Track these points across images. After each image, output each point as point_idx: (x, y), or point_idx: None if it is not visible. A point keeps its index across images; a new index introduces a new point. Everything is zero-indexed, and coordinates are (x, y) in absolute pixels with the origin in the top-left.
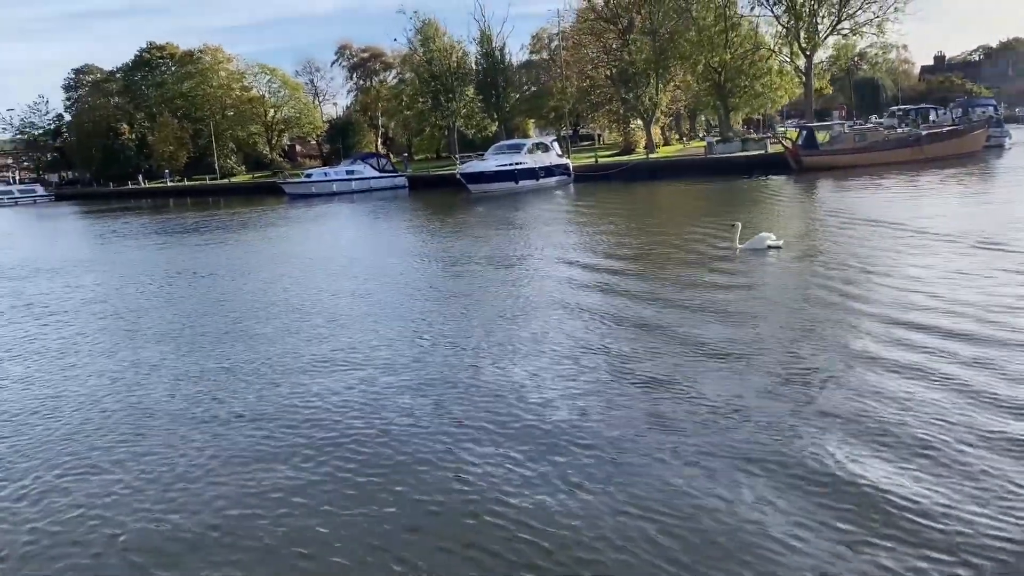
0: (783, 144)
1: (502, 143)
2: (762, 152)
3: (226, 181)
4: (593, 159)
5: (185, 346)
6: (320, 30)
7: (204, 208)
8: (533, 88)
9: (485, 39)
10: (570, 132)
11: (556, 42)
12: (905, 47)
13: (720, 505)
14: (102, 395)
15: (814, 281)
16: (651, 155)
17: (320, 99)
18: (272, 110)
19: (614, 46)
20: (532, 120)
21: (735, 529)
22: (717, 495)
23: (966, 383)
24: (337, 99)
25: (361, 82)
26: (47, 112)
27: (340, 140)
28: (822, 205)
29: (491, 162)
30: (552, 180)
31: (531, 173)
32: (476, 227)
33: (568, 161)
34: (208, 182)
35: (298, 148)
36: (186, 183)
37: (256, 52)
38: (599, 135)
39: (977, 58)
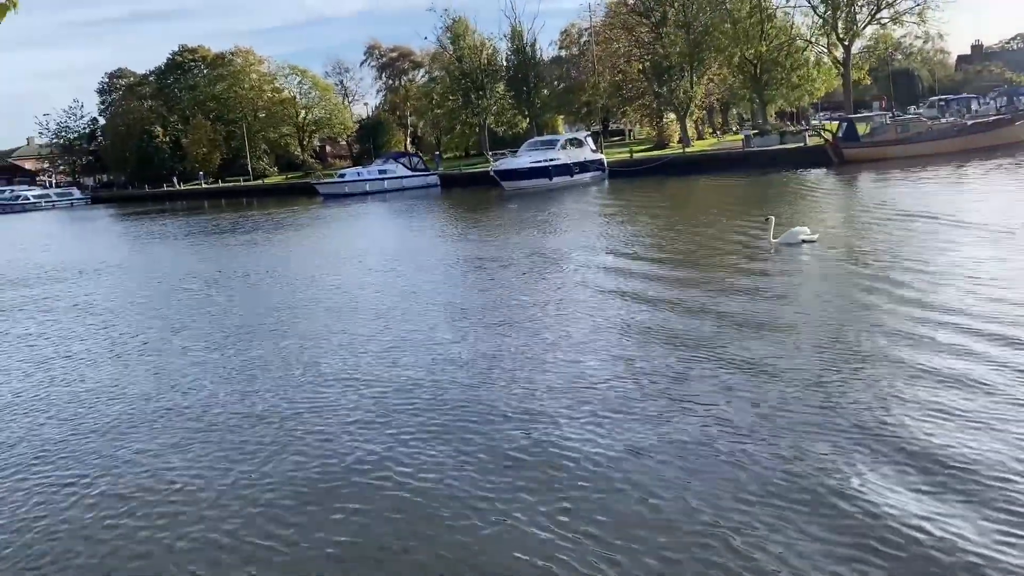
0: (823, 137)
1: (536, 139)
2: (801, 145)
3: (260, 182)
4: (628, 154)
5: (229, 346)
6: (347, 31)
7: (239, 209)
8: (563, 84)
9: (516, 35)
10: (600, 128)
11: (586, 37)
12: (941, 36)
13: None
14: (149, 394)
15: (844, 277)
16: (687, 149)
17: (350, 99)
18: (303, 111)
19: (647, 40)
20: (561, 116)
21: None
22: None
23: (1000, 389)
24: (367, 99)
25: (390, 82)
26: (82, 116)
27: (370, 140)
28: (861, 199)
29: (525, 158)
30: (587, 176)
31: (565, 169)
32: (510, 226)
33: (602, 156)
34: (242, 183)
35: (328, 149)
36: (220, 185)
37: (285, 54)
38: (630, 130)
39: (1016, 47)
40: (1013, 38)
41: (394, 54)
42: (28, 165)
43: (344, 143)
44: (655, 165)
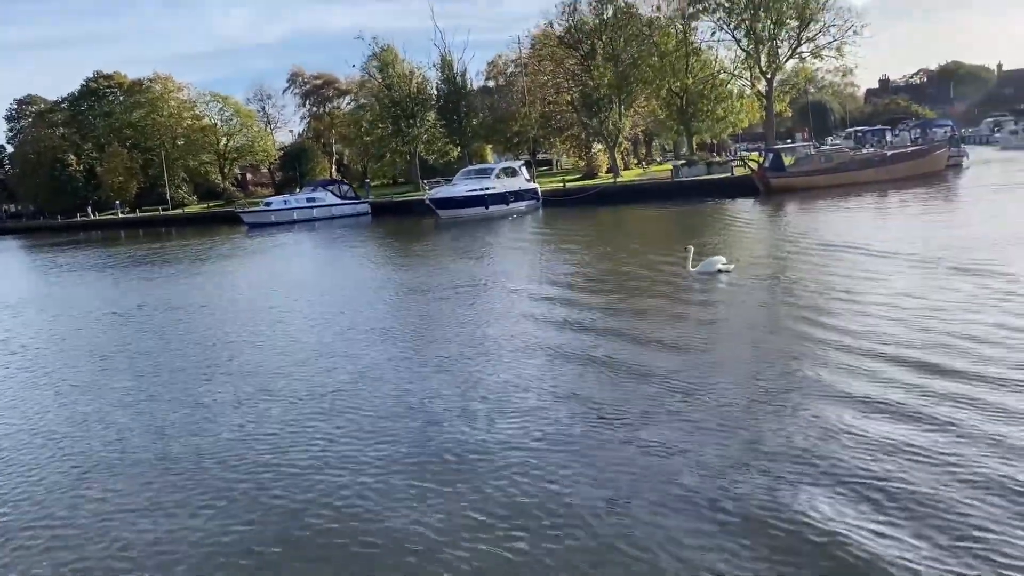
0: (749, 167)
1: (470, 168)
2: (728, 175)
3: (180, 211)
4: (561, 184)
5: (152, 386)
6: (267, 59)
7: (159, 239)
8: (493, 115)
9: (446, 64)
10: (528, 157)
11: (512, 68)
12: (852, 71)
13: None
14: (74, 436)
15: (755, 305)
16: (617, 179)
17: (272, 127)
18: (225, 138)
19: (576, 71)
20: (490, 146)
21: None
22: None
23: (916, 412)
24: (290, 126)
25: (314, 109)
26: None
27: (293, 168)
28: (785, 228)
29: (461, 187)
30: (522, 205)
31: (501, 198)
32: (446, 255)
33: (536, 186)
34: (161, 212)
35: (249, 177)
36: (138, 214)
37: (205, 81)
38: (557, 160)
39: (919, 81)
40: (916, 73)
41: (318, 81)
42: None
43: (266, 171)
44: (588, 195)
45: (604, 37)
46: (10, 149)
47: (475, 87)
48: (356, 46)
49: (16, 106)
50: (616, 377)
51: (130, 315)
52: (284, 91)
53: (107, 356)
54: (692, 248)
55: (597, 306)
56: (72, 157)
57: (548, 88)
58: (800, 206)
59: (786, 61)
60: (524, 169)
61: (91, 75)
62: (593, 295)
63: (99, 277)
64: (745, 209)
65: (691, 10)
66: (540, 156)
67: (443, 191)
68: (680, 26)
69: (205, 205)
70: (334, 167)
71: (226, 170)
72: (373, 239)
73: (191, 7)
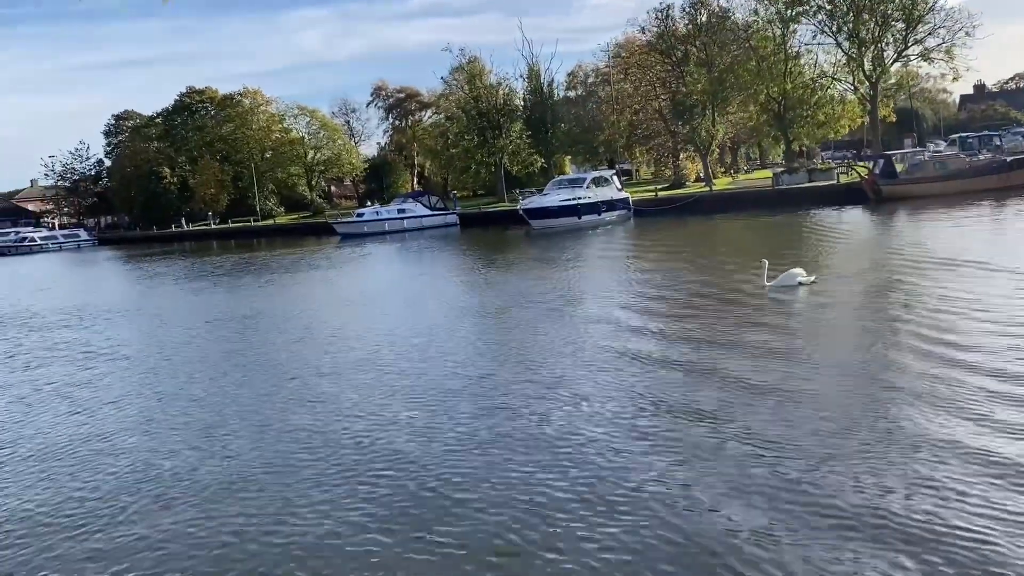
0: (858, 174)
1: (562, 178)
2: (833, 183)
3: (271, 222)
4: (653, 193)
5: (249, 395)
6: (346, 74)
7: (251, 250)
8: (579, 125)
9: (533, 75)
10: (608, 167)
11: (592, 78)
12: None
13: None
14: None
15: (835, 325)
16: (712, 188)
17: (356, 140)
18: (312, 151)
19: (667, 78)
20: (568, 156)
21: None
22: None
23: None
24: (372, 140)
25: (396, 122)
26: (88, 158)
27: (376, 180)
28: (893, 238)
29: (554, 197)
30: (613, 215)
31: (594, 208)
32: (534, 266)
33: (628, 195)
34: (252, 223)
35: (333, 189)
36: (230, 225)
37: (291, 96)
38: (636, 169)
39: (1014, 86)
40: (1011, 78)
41: (401, 95)
42: (31, 207)
43: (349, 183)
44: (681, 204)
45: (698, 42)
46: (108, 163)
47: (563, 96)
48: (434, 59)
49: (114, 121)
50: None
51: (232, 323)
52: (368, 104)
53: (213, 363)
54: (767, 262)
55: (670, 324)
56: (166, 170)
57: (637, 96)
58: (912, 215)
59: (891, 64)
60: (615, 179)
61: (184, 90)
62: (670, 312)
63: (203, 286)
64: (852, 218)
65: (791, 13)
66: (618, 166)
67: (536, 201)
68: (778, 29)
69: (296, 216)
70: (415, 179)
71: (313, 182)
72: (464, 250)
73: (270, 25)
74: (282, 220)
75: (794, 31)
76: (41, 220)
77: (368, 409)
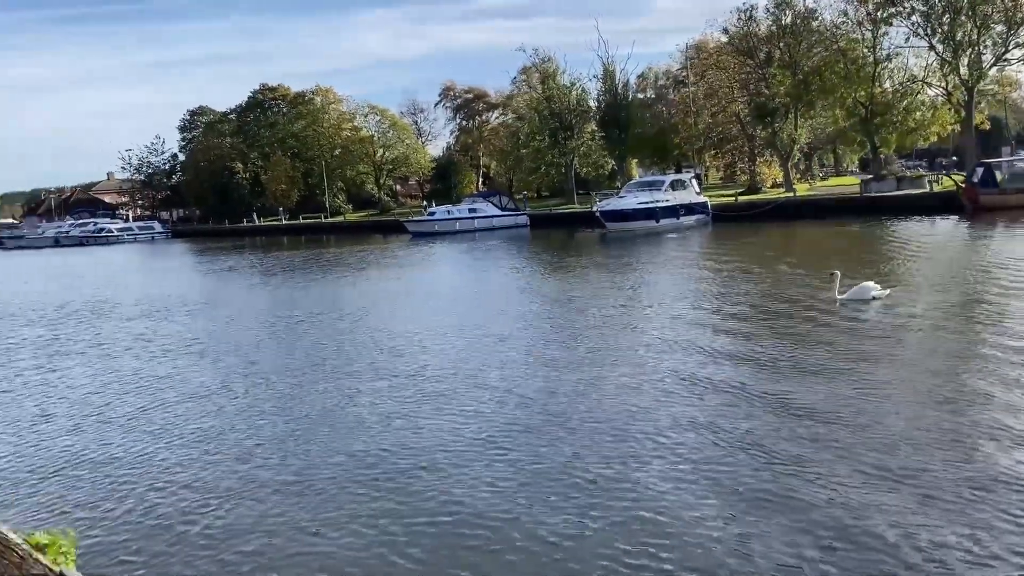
0: (954, 182)
1: (639, 180)
2: (925, 191)
3: (340, 219)
4: (732, 198)
5: (323, 391)
6: (411, 74)
7: (321, 246)
8: (655, 126)
9: (608, 75)
10: (674, 170)
11: (663, 80)
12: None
13: None
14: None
15: (903, 343)
16: (795, 194)
17: (424, 140)
18: (381, 150)
19: (749, 80)
20: (636, 159)
21: None
22: None
23: None
24: (439, 140)
25: (464, 122)
26: (163, 152)
27: (442, 180)
28: (988, 252)
29: (631, 199)
30: (691, 219)
31: (672, 211)
32: (605, 270)
33: (707, 199)
34: (323, 220)
35: (398, 188)
36: (300, 221)
37: (356, 95)
38: (705, 174)
39: None
40: None
41: (469, 95)
42: (108, 198)
43: (414, 183)
44: (762, 210)
45: (781, 43)
46: (182, 157)
47: (636, 97)
48: (498, 60)
49: (188, 117)
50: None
51: (309, 319)
52: (436, 105)
53: (293, 358)
54: (839, 274)
55: (732, 339)
56: (239, 165)
57: (715, 98)
58: (1011, 227)
59: (990, 68)
60: (694, 182)
61: (257, 87)
62: (735, 326)
63: (278, 281)
64: (945, 229)
65: (882, 14)
66: (685, 169)
67: (613, 203)
68: (868, 32)
69: (365, 213)
70: (480, 180)
71: (381, 181)
72: (534, 250)
73: (338, 26)
74: (351, 217)
75: (885, 33)
76: (117, 212)
77: (436, 417)
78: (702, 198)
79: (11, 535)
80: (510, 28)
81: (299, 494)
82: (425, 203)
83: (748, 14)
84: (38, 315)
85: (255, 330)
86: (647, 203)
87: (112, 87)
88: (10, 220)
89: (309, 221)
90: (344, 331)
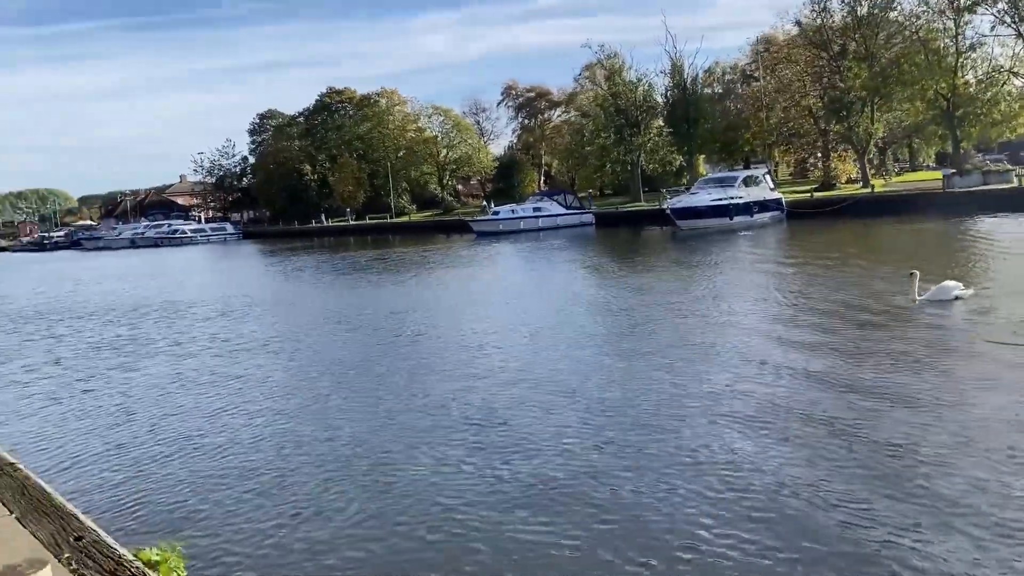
0: None
1: (710, 176)
2: (1012, 185)
3: (406, 219)
4: (808, 194)
5: (394, 388)
6: (471, 75)
7: (388, 246)
8: (724, 121)
9: (676, 70)
10: (741, 166)
11: (730, 75)
12: None
13: None
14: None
15: (987, 347)
16: (874, 190)
17: (486, 139)
18: (444, 150)
19: (824, 73)
20: (703, 156)
21: None
22: None
23: None
24: (501, 139)
25: (526, 121)
26: (234, 155)
27: (504, 179)
28: None
29: (704, 196)
30: (766, 216)
31: (746, 209)
32: (682, 269)
33: (781, 196)
34: (389, 220)
35: (460, 188)
36: (367, 221)
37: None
38: (775, 169)
39: None
40: None
41: (531, 94)
42: (181, 200)
43: (476, 182)
44: (839, 207)
45: (857, 35)
46: (252, 160)
47: (705, 92)
48: (559, 59)
49: (258, 120)
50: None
51: (377, 317)
52: (498, 104)
53: (370, 360)
54: (918, 273)
55: (805, 343)
56: (307, 167)
57: (787, 93)
58: None
59: None
60: (768, 178)
61: (324, 91)
62: (808, 330)
63: (350, 281)
64: None
65: (966, 2)
66: (753, 165)
67: (684, 200)
68: (950, 20)
69: (429, 213)
70: (542, 178)
71: (445, 181)
72: (602, 250)
73: (398, 29)
74: (416, 217)
75: (968, 22)
76: (189, 213)
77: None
78: (776, 194)
79: (123, 551)
80: (569, 27)
81: (399, 496)
82: (484, 203)
83: (822, 5)
84: (118, 314)
85: (333, 329)
86: (720, 200)
87: (183, 92)
88: (88, 222)
89: (375, 221)
90: (420, 331)
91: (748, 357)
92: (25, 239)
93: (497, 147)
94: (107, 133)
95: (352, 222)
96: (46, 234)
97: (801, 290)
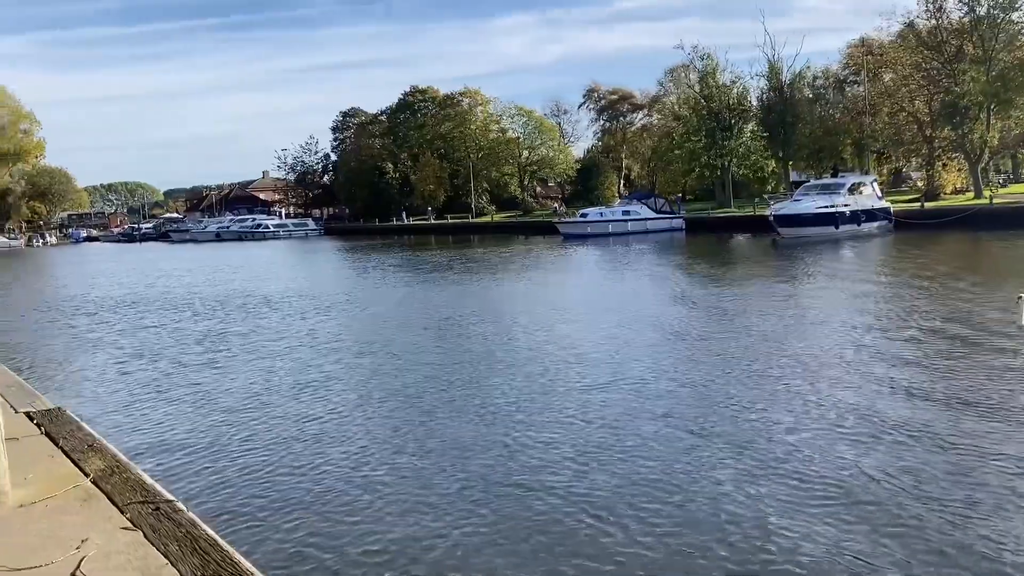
0: None
1: (813, 182)
2: None
3: (487, 219)
4: (918, 204)
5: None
6: (554, 77)
7: (469, 246)
8: (818, 127)
9: (773, 72)
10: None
11: (821, 79)
12: None
13: None
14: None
15: None
16: (991, 200)
17: (566, 141)
18: (526, 151)
19: (937, 77)
20: (791, 161)
21: None
22: None
23: None
24: (581, 142)
25: (607, 124)
26: (316, 152)
27: (583, 182)
28: None
29: (808, 203)
30: (873, 226)
31: (853, 217)
32: (784, 281)
33: (889, 205)
34: (470, 220)
35: (539, 189)
36: (448, 221)
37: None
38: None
39: None
40: None
41: (614, 96)
42: (263, 196)
43: (554, 184)
44: (954, 218)
45: (975, 36)
46: (334, 157)
47: (803, 96)
48: (638, 62)
49: (341, 118)
50: None
51: (465, 319)
52: (579, 106)
53: (462, 364)
54: None
55: (896, 370)
56: (389, 165)
57: (892, 98)
58: None
59: None
60: (875, 186)
61: (408, 89)
62: (902, 354)
63: (437, 280)
64: None
65: None
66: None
67: (789, 207)
68: None
69: (509, 214)
70: (622, 182)
71: (525, 182)
72: (698, 256)
73: (478, 32)
74: (497, 218)
75: None
76: (272, 209)
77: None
78: (884, 203)
79: None
80: (646, 31)
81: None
82: (556, 205)
83: (937, 5)
84: (208, 307)
85: (427, 330)
86: (826, 208)
87: (268, 90)
88: (174, 214)
89: (456, 221)
90: (511, 334)
91: (848, 383)
92: (115, 230)
93: (576, 150)
94: (193, 129)
95: (432, 221)
96: (135, 225)
97: (905, 308)
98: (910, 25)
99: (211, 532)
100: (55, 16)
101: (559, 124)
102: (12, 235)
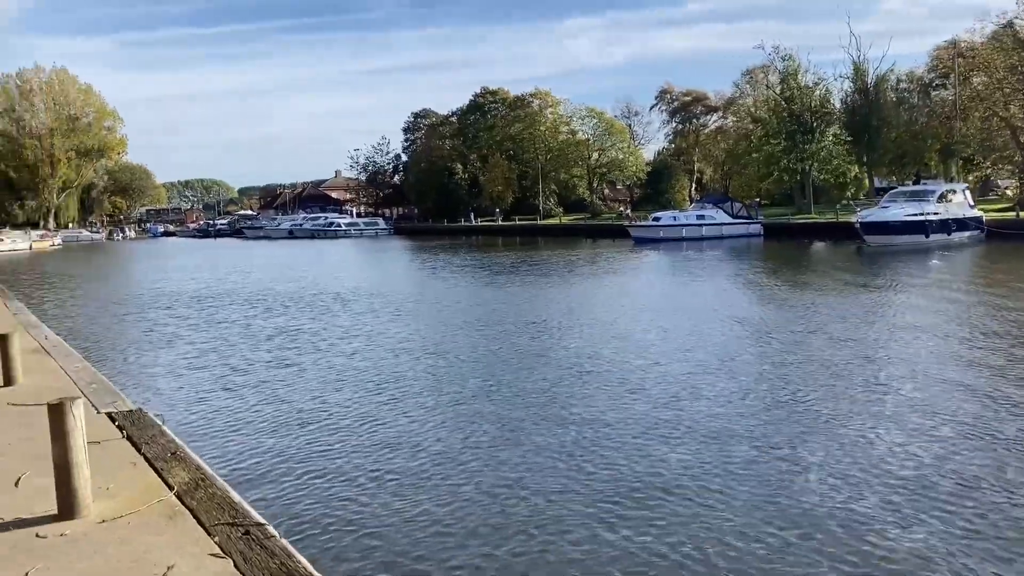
0: None
1: (901, 189)
2: None
3: (555, 221)
4: (1014, 214)
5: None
6: (621, 78)
7: (538, 248)
8: (906, 131)
9: (858, 74)
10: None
11: (905, 83)
12: None
13: None
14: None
15: None
16: None
17: (637, 143)
18: (596, 153)
19: None
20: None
21: None
22: None
23: None
24: (651, 144)
25: (680, 126)
26: (388, 152)
27: (653, 185)
28: None
29: (897, 211)
30: (964, 235)
31: (943, 226)
32: (870, 292)
33: (980, 213)
34: (538, 222)
35: (607, 192)
36: (516, 222)
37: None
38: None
39: None
40: None
41: (687, 97)
42: (335, 195)
43: (622, 187)
44: None
45: None
46: (405, 158)
47: (890, 99)
48: (708, 65)
49: (412, 119)
50: None
51: (538, 323)
52: (651, 108)
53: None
54: None
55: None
56: (458, 166)
57: (985, 103)
58: None
59: None
60: (967, 193)
61: (478, 91)
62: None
63: (514, 283)
64: None
65: None
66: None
67: (876, 215)
68: None
69: (577, 216)
70: (694, 185)
71: (594, 184)
72: (781, 263)
73: (547, 34)
74: (565, 220)
75: None
76: (344, 208)
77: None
78: (976, 212)
79: None
80: (715, 33)
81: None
82: (622, 209)
83: None
84: (281, 303)
85: (503, 333)
86: (916, 215)
87: (341, 91)
88: (248, 211)
89: (524, 223)
90: (594, 343)
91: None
92: (191, 225)
93: (647, 152)
94: (267, 129)
95: (500, 223)
96: (211, 221)
97: (990, 325)
98: (1008, 26)
99: (307, 564)
100: (138, 17)
101: (629, 126)
102: (94, 228)
